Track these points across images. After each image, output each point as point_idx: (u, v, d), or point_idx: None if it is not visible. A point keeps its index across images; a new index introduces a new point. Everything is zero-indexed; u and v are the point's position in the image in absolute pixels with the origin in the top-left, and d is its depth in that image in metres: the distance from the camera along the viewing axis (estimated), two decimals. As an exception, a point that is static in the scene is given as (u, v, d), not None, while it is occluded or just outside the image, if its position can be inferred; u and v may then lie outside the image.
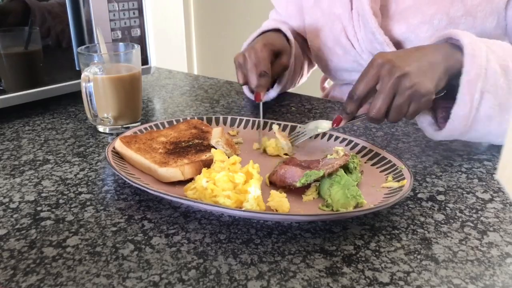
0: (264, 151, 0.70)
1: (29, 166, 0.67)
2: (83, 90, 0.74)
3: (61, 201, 0.58)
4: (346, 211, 0.53)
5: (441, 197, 0.59)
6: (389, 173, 0.61)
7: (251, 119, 0.77)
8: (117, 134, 0.75)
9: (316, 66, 1.12)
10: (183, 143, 0.68)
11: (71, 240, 0.50)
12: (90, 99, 0.75)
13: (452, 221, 0.54)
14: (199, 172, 0.58)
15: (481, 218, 0.54)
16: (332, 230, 0.52)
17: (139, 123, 0.82)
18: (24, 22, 0.84)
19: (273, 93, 0.94)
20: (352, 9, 0.89)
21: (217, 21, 2.30)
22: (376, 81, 0.63)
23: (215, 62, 2.36)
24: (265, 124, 0.77)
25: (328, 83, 1.18)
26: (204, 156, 0.64)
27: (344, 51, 0.93)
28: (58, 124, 0.83)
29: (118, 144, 0.65)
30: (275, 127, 0.72)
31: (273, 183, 0.60)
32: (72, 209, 0.56)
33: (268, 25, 0.96)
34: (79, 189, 0.61)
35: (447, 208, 0.57)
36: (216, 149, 0.64)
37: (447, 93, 0.66)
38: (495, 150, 0.72)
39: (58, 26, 0.88)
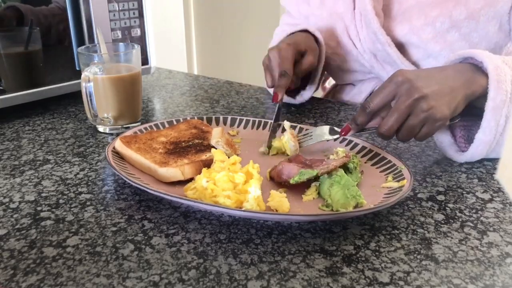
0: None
1: (29, 166, 0.67)
2: (83, 90, 0.74)
3: (61, 201, 0.58)
4: (346, 211, 0.53)
5: (441, 197, 0.59)
6: (389, 173, 0.61)
7: (251, 119, 0.77)
8: (117, 134, 0.75)
9: None
10: (183, 143, 0.68)
11: (71, 240, 0.50)
12: (90, 99, 0.75)
13: (452, 221, 0.54)
14: (199, 172, 0.58)
15: (481, 218, 0.54)
16: (332, 230, 0.52)
17: (139, 123, 0.82)
18: (22, 25, 0.84)
19: (308, 93, 0.91)
20: (354, 8, 0.89)
21: (217, 21, 2.30)
22: (392, 98, 0.62)
23: (215, 62, 2.36)
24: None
25: (329, 83, 1.18)
26: (204, 156, 0.64)
27: (346, 50, 0.93)
28: (58, 124, 0.83)
29: (118, 144, 0.65)
30: (287, 124, 0.70)
31: (272, 178, 0.61)
32: (72, 209, 0.56)
33: (294, 27, 0.91)
34: (79, 189, 0.61)
35: (447, 208, 0.57)
36: (216, 149, 0.64)
37: (464, 111, 0.65)
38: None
39: (58, 26, 0.88)
